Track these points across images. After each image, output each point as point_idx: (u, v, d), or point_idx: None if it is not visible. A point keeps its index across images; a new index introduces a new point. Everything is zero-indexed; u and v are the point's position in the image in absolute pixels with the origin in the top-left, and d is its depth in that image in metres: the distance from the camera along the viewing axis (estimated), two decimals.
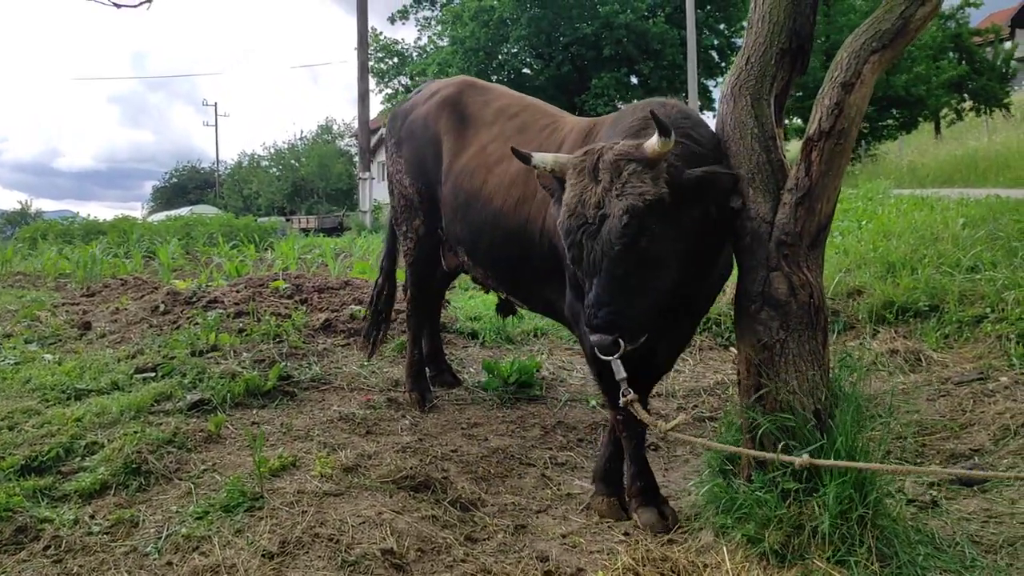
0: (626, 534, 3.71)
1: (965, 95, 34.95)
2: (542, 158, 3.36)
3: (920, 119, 32.64)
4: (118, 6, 5.44)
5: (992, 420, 4.44)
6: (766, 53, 3.43)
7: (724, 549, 3.05)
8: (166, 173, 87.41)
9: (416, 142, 5.07)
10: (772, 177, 3.37)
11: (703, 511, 3.53)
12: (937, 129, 34.92)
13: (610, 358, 3.09)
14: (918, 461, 4.28)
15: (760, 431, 3.30)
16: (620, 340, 3.00)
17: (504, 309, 5.50)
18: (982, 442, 4.30)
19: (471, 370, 6.15)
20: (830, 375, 3.41)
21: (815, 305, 3.30)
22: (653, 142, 3.07)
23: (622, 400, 3.28)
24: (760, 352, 3.33)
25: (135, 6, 5.37)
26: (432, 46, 39.52)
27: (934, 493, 3.86)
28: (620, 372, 3.21)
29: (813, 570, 3.00)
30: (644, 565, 2.88)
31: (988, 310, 5.69)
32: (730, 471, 3.53)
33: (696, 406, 5.35)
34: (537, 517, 3.95)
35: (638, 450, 3.89)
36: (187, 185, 76.33)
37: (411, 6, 41.05)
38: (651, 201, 3.02)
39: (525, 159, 3.43)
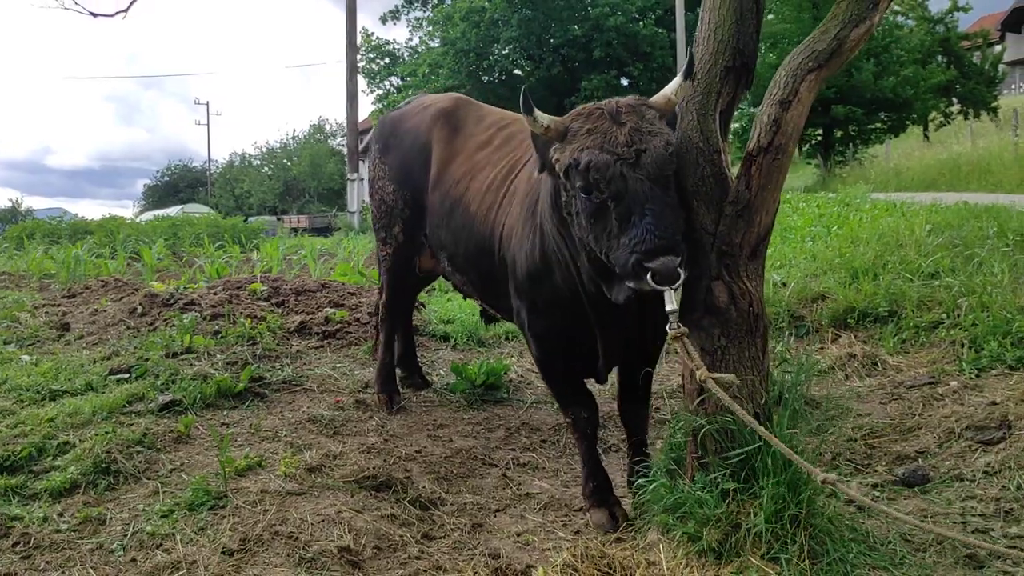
0: (577, 532, 3.85)
1: (954, 99, 35.23)
2: (541, 115, 3.30)
3: (908, 123, 32.88)
4: (95, 15, 5.57)
5: (938, 423, 4.58)
6: (711, 70, 3.55)
7: (661, 547, 3.18)
8: (158, 172, 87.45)
9: (405, 150, 5.14)
10: (716, 190, 3.49)
11: (649, 510, 3.66)
12: (926, 133, 35.17)
13: (669, 288, 2.99)
14: (866, 463, 4.42)
15: (702, 433, 3.43)
16: (679, 269, 2.97)
17: (487, 316, 5.59)
18: (927, 445, 4.44)
19: (441, 372, 6.27)
20: (770, 380, 3.54)
21: (754, 313, 3.43)
22: (674, 86, 3.30)
23: (672, 333, 3.11)
24: (702, 358, 3.46)
25: (111, 16, 5.49)
26: (423, 47, 39.66)
27: (876, 494, 4.00)
28: (672, 303, 3.06)
29: (748, 566, 3.13)
30: (583, 561, 3.01)
31: (944, 316, 5.83)
32: (676, 471, 3.66)
33: (659, 408, 5.48)
34: (495, 516, 4.08)
35: (590, 451, 4.03)
36: (179, 184, 76.20)
37: (403, 7, 41.23)
38: (674, 145, 3.25)
39: (529, 108, 3.25)
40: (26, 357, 6.03)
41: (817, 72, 3.34)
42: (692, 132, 3.54)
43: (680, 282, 3.00)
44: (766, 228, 3.45)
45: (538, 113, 3.28)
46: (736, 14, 3.49)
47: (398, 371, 5.79)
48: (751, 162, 3.37)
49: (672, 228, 3.06)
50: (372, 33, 40.62)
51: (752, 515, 3.22)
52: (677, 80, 3.34)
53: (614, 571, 2.98)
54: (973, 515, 3.66)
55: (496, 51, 36.44)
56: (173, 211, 35.04)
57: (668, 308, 3.08)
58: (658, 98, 3.34)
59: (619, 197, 3.07)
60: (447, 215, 4.70)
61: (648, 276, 2.95)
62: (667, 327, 3.13)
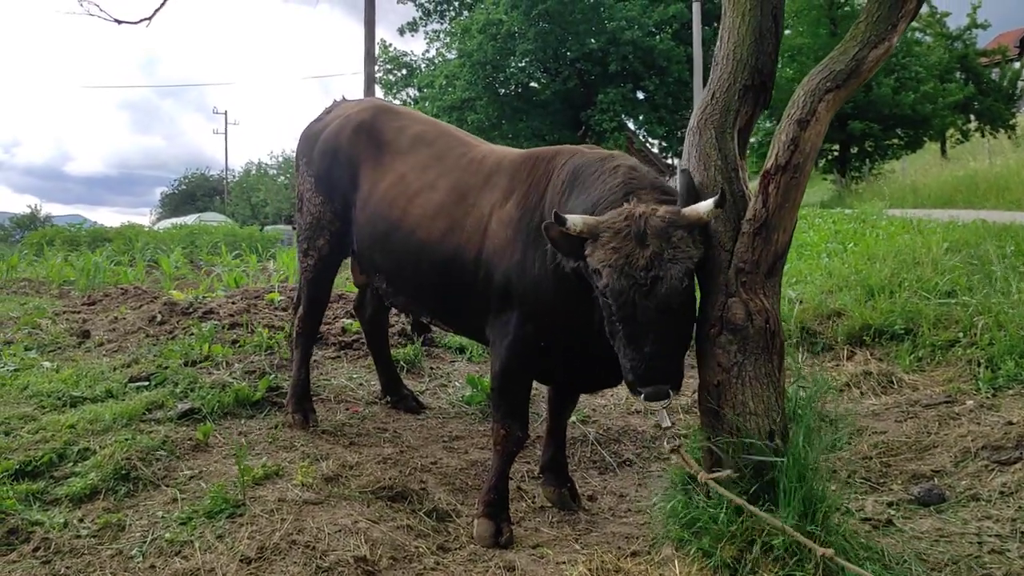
0: (596, 545, 3.86)
1: (971, 116, 35.09)
2: (573, 220, 3.32)
3: (926, 139, 32.79)
4: (119, 22, 5.67)
5: (954, 442, 4.57)
6: (730, 89, 3.60)
7: (676, 562, 3.20)
8: (175, 180, 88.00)
9: (328, 163, 5.06)
10: (733, 208, 3.53)
11: (665, 525, 3.67)
12: (943, 150, 35.03)
13: (659, 405, 3.29)
14: (882, 481, 4.42)
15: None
16: (670, 391, 3.25)
17: (419, 328, 5.95)
18: (943, 464, 4.44)
19: (457, 384, 6.30)
20: (785, 397, 3.56)
21: (771, 330, 3.45)
22: (707, 208, 3.28)
23: (668, 446, 3.49)
24: (719, 374, 3.49)
25: (135, 23, 5.58)
26: (440, 58, 39.88)
27: (892, 512, 4.00)
28: (666, 421, 3.46)
29: None
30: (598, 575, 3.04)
31: (960, 335, 5.82)
32: (692, 488, 3.67)
33: (673, 424, 5.48)
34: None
35: (504, 466, 4.12)
36: (195, 192, 76.79)
37: (421, 19, 41.49)
38: (697, 262, 3.34)
39: (561, 222, 3.33)
40: (47, 364, 6.10)
41: (835, 92, 3.37)
42: (710, 150, 3.59)
43: (670, 401, 3.28)
44: (783, 246, 3.47)
45: (570, 220, 3.32)
46: (755, 34, 3.54)
47: (389, 398, 5.72)
48: (769, 181, 3.40)
49: (669, 356, 3.30)
50: (390, 45, 40.88)
51: (766, 532, 3.23)
52: (709, 203, 3.29)
53: None
54: (989, 535, 3.65)
55: (513, 64, 36.57)
56: (190, 219, 35.30)
57: (663, 425, 3.47)
58: (689, 212, 3.32)
59: (628, 321, 3.26)
60: (382, 239, 4.66)
61: (640, 396, 3.27)
62: (664, 442, 3.47)
